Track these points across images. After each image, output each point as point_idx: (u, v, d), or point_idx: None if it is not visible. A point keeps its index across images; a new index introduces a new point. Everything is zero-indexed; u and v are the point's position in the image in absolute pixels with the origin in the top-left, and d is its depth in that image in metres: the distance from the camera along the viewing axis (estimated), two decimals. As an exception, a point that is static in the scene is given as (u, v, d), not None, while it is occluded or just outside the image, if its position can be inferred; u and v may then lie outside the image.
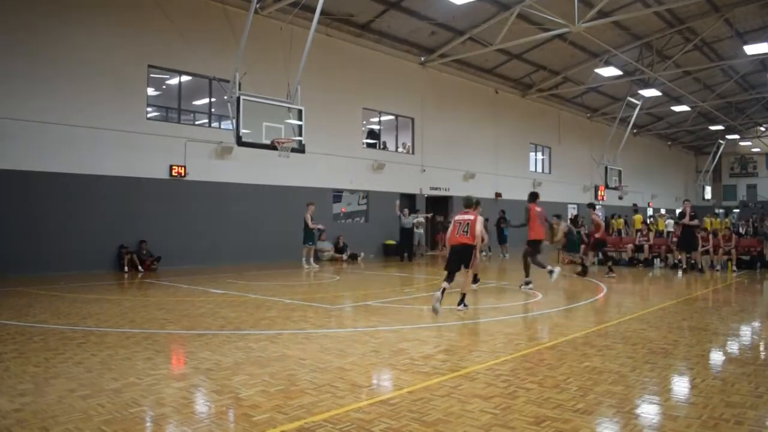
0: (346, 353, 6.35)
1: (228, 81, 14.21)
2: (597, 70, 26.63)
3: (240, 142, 14.07)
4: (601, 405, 4.66)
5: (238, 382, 5.18)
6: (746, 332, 8.31)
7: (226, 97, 14.38)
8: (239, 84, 13.97)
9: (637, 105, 29.83)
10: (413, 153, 24.51)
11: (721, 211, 44.66)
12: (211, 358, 6.12)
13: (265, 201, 19.04)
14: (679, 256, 17.79)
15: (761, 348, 7.31)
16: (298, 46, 16.12)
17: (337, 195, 21.85)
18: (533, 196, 12.67)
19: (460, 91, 26.44)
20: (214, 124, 18.81)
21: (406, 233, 20.66)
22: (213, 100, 18.73)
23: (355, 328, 8.05)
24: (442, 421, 4.21)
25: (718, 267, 17.38)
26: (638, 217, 25.79)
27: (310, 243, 17.54)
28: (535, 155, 32.45)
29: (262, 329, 7.68)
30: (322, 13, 15.35)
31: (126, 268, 15.86)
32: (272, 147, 14.44)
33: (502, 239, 23.74)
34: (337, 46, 21.07)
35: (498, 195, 28.02)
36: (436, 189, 25.05)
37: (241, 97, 13.83)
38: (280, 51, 17.98)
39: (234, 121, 13.93)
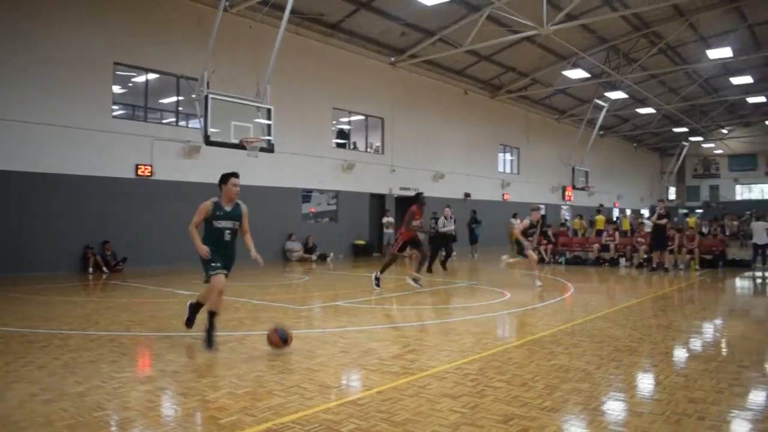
0: (315, 354, 6.32)
1: (196, 79, 14.04)
2: (564, 73, 26.95)
3: (208, 142, 13.91)
4: (568, 402, 4.71)
5: (205, 384, 5.12)
6: (708, 330, 8.49)
7: (194, 96, 14.21)
8: (207, 82, 13.80)
9: (604, 107, 30.23)
10: (383, 153, 24.52)
11: (684, 211, 45.54)
12: (178, 360, 6.05)
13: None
14: (645, 256, 18.11)
15: (723, 345, 7.47)
16: (267, 44, 16.01)
17: (306, 195, 21.75)
18: None
19: (430, 91, 26.53)
20: (182, 123, 18.58)
21: (437, 241, 16.91)
22: (181, 98, 18.50)
23: (324, 328, 8.02)
24: (411, 420, 4.21)
25: (682, 266, 17.71)
26: (600, 218, 26.11)
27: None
28: (504, 156, 32.70)
29: (229, 330, 7.59)
30: (293, 12, 15.26)
31: (91, 269, 15.58)
32: (241, 146, 14.31)
33: (473, 239, 23.89)
34: (308, 45, 20.98)
35: (467, 195, 28.18)
36: (405, 189, 25.09)
37: (210, 96, 13.67)
38: (250, 49, 17.84)
39: (202, 119, 13.77)
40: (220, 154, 17.03)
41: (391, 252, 13.35)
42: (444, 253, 17.00)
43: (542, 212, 14.41)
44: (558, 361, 6.06)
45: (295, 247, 20.24)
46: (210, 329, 6.40)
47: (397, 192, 24.79)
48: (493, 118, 30.56)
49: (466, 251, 24.22)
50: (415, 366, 5.78)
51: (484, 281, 14.17)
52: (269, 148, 14.96)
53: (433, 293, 11.99)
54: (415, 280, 12.36)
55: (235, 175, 6.84)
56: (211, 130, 13.74)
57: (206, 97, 13.63)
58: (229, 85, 15.29)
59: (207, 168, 18.09)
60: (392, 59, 24.05)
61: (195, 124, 17.18)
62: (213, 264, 6.43)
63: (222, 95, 14.00)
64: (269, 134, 14.83)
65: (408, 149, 25.29)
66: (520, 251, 13.68)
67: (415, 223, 12.51)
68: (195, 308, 6.97)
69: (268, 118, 14.86)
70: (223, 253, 6.56)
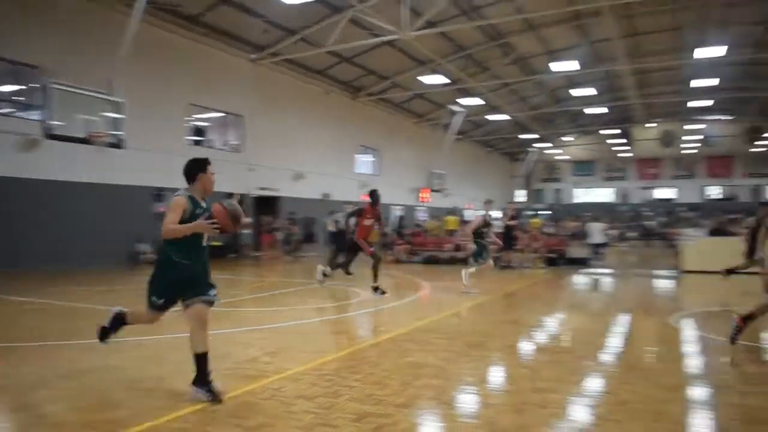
0: (167, 360, 6.06)
1: (37, 67, 12.98)
2: (421, 78, 27.62)
3: (50, 135, 12.91)
4: (421, 398, 4.85)
5: (42, 398, 4.73)
6: (550, 323, 9.09)
7: (36, 85, 13.13)
8: (52, 71, 12.80)
9: (460, 112, 31.49)
10: (242, 151, 23.96)
11: (530, 212, 48.50)
12: (8, 372, 5.53)
13: (80, 200, 17.55)
14: (496, 255, 19.07)
15: (563, 337, 8.03)
16: (120, 34, 15.10)
17: (158, 194, 20.65)
18: None
19: (291, 90, 26.28)
20: (22, 114, 17.01)
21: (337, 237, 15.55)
22: (21, 87, 16.95)
23: (177, 333, 7.66)
24: (265, 424, 4.14)
25: (528, 264, 18.82)
26: (452, 218, 27.20)
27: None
28: (364, 157, 33.11)
29: (71, 339, 7.07)
30: (148, 1, 14.51)
31: None
32: (88, 141, 13.42)
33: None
34: (164, 37, 19.99)
35: (326, 195, 28.18)
36: (264, 189, 24.64)
37: (53, 86, 12.68)
38: (101, 38, 16.72)
39: (44, 111, 12.75)
40: (64, 149, 15.84)
41: (371, 255, 11.70)
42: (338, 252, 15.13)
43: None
44: (412, 358, 6.22)
45: (146, 248, 19.18)
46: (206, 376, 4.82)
47: (255, 192, 24.28)
48: (353, 119, 30.84)
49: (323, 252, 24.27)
50: (271, 368, 5.69)
51: (342, 281, 14.24)
52: (118, 144, 14.16)
53: (292, 294, 11.91)
54: (325, 274, 12.14)
55: (209, 161, 5.29)
56: (54, 122, 12.78)
57: (50, 87, 12.64)
58: (77, 75, 14.26)
59: (50, 164, 16.74)
60: (253, 56, 23.56)
61: (37, 115, 15.76)
62: (157, 299, 5.07)
63: (68, 86, 13.05)
64: (119, 129, 14.04)
65: (267, 148, 24.87)
66: (479, 254, 12.18)
67: (366, 222, 11.70)
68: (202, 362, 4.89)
69: (119, 112, 14.07)
70: (202, 262, 5.08)
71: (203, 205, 5.02)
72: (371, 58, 26.25)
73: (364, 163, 33.05)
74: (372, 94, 30.33)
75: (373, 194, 11.91)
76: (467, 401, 4.91)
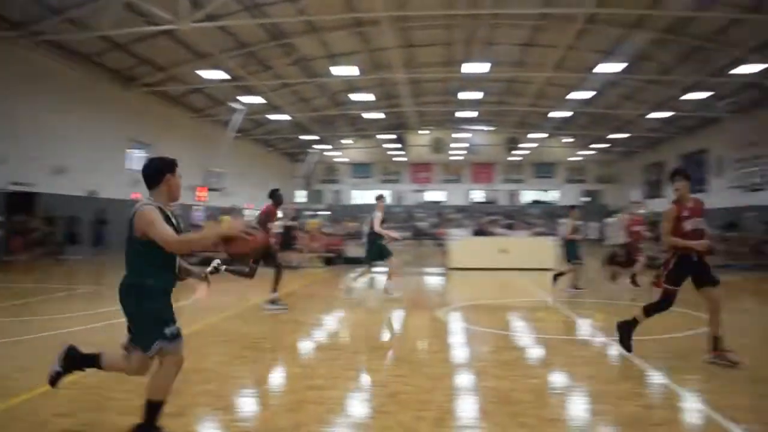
0: None
1: None
2: (200, 72, 26.68)
3: None
4: (195, 405, 4.70)
5: None
6: (327, 322, 9.31)
7: None
8: None
9: (240, 110, 30.97)
10: (-8, 141, 21.17)
11: (309, 213, 49.36)
12: None
13: None
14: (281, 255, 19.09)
15: (339, 335, 8.27)
16: None
17: None
18: None
19: (52, 75, 23.75)
20: None
21: None
22: None
23: None
24: (13, 448, 3.69)
25: (306, 264, 19.11)
26: (228, 218, 26.87)
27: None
28: (136, 152, 31.07)
29: None
30: None
31: None
32: None
33: (98, 241, 22.26)
34: None
35: (93, 192, 26.01)
36: (17, 184, 21.90)
37: None
38: None
39: None
40: None
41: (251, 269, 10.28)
42: None
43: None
44: (186, 364, 5.91)
45: None
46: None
47: (6, 187, 21.53)
48: (125, 111, 28.71)
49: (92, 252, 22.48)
50: (23, 385, 5.09)
51: (111, 285, 13.27)
52: None
53: (49, 301, 10.83)
54: (274, 302, 10.24)
55: (176, 162, 4.16)
56: None
57: None
58: None
59: None
60: (9, 34, 20.87)
61: None
62: (171, 326, 4.01)
63: None
64: None
65: (21, 138, 22.19)
66: (378, 255, 11.64)
67: (272, 225, 10.44)
68: (155, 411, 3.94)
69: None
70: (172, 290, 4.19)
71: (172, 219, 4.03)
72: (147, 47, 24.75)
73: (136, 158, 31.01)
74: (147, 85, 28.57)
75: (276, 193, 10.81)
76: (243, 404, 4.85)
